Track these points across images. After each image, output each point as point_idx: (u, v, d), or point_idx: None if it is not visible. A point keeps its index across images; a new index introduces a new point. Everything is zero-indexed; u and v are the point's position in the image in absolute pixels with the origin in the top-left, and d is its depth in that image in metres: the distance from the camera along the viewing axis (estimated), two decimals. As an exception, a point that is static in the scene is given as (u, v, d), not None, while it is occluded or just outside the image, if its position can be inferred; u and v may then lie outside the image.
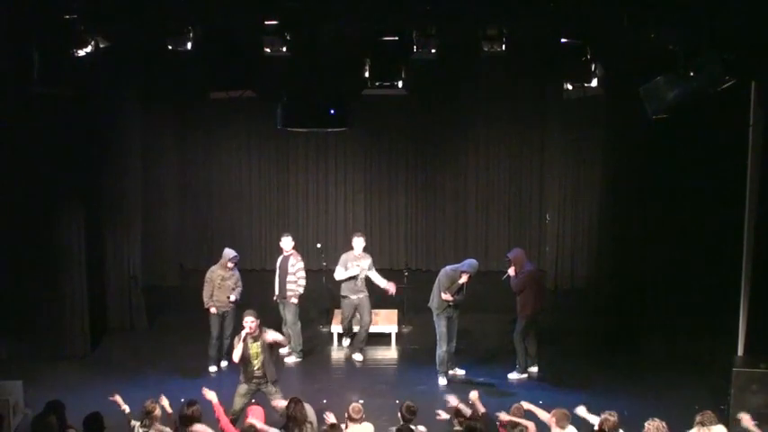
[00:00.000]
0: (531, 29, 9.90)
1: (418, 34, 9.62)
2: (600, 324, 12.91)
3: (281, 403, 8.50)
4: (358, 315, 12.01)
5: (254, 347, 9.29)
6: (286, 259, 11.76)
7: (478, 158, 15.63)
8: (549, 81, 12.77)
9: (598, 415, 7.81)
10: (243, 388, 9.37)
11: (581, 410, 8.18)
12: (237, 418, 9.09)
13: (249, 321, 9.26)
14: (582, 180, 14.91)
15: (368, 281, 11.93)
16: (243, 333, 9.32)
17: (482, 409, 8.26)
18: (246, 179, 15.78)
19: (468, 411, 8.14)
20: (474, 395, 8.41)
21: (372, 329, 12.11)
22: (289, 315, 11.69)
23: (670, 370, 11.40)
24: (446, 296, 10.91)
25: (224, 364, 11.48)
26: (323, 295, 13.05)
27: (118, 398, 8.30)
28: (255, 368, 9.28)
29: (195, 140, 15.51)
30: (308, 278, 11.85)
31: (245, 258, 12.01)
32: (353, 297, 11.84)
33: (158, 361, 11.84)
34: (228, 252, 11.45)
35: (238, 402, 9.30)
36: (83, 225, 11.97)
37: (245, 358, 9.28)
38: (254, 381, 9.35)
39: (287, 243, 11.81)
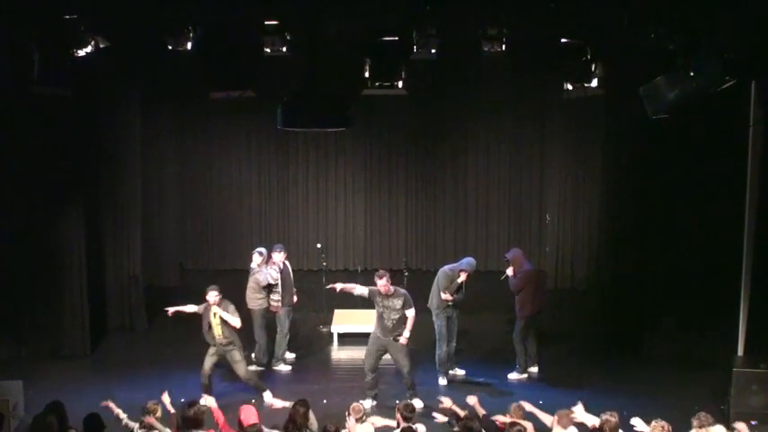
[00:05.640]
0: (531, 29, 9.90)
1: (418, 34, 9.61)
2: (600, 324, 12.91)
3: (277, 403, 9.44)
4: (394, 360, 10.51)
5: (216, 318, 10.25)
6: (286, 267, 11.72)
7: (478, 158, 15.61)
8: (549, 81, 12.76)
9: (598, 415, 7.80)
10: (212, 350, 10.39)
11: (579, 410, 8.14)
12: (210, 383, 10.32)
13: (213, 295, 10.23)
14: (582, 180, 14.90)
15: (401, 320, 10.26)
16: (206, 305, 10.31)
17: (482, 412, 8.25)
18: (246, 179, 15.75)
19: (461, 412, 8.14)
20: (473, 400, 8.42)
21: (371, 330, 11.02)
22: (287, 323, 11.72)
23: (670, 370, 11.41)
24: (445, 296, 10.91)
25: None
26: (323, 295, 13.04)
27: (111, 404, 8.31)
28: (217, 335, 10.25)
29: (195, 140, 15.47)
30: (308, 278, 11.83)
31: (245, 258, 12.01)
32: (383, 338, 10.35)
33: (158, 361, 11.84)
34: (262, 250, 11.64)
35: (208, 362, 10.34)
36: (83, 225, 11.99)
37: (209, 326, 10.28)
38: (220, 346, 10.31)
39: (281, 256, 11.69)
